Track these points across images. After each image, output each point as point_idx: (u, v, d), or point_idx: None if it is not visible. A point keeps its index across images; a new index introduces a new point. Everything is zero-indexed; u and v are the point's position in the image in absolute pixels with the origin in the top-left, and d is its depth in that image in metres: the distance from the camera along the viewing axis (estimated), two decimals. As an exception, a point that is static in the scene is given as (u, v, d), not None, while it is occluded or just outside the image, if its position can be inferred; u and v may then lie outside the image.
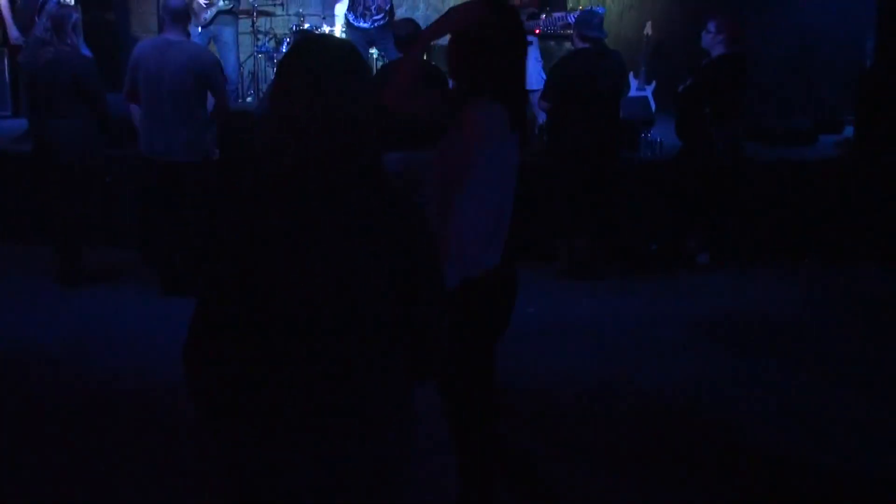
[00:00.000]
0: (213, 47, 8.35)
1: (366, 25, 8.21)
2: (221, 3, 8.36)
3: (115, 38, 8.90)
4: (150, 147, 6.19)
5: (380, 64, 8.79)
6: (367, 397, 1.99)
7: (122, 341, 5.55)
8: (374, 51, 8.44)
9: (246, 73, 9.69)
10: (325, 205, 1.93)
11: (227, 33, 8.57)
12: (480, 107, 2.86)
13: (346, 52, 2.01)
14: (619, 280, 6.85)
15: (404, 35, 6.33)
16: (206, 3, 8.22)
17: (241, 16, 9.54)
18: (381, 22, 8.22)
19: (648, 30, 8.24)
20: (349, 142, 1.94)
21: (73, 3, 7.58)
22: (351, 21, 8.30)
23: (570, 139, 6.61)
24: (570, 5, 9.98)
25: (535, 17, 8.63)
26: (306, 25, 8.95)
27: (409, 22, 6.63)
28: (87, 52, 6.85)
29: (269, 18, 9.78)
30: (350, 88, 1.95)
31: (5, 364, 5.22)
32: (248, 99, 9.25)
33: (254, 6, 9.33)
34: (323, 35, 6.95)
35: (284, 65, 2.01)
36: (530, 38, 8.26)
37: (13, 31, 7.87)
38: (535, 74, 8.11)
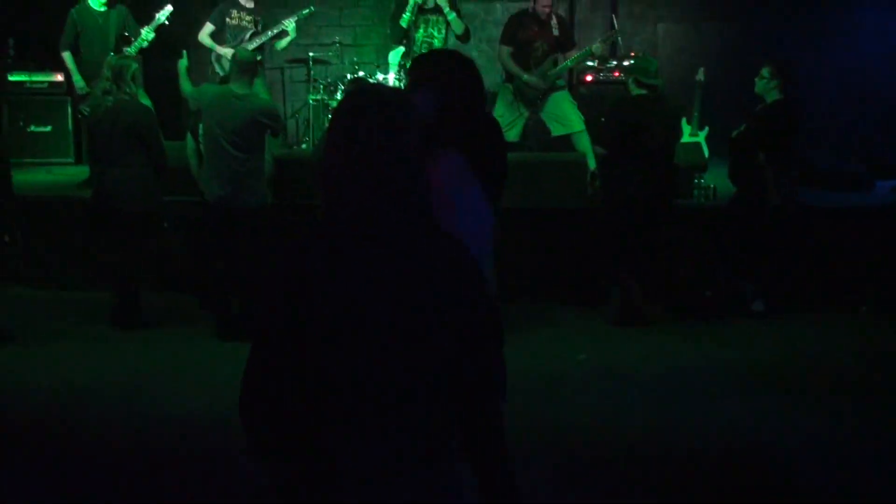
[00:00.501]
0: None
1: None
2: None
3: (174, 87, 9.08)
4: (209, 193, 6.34)
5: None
6: (420, 447, 1.97)
7: (176, 383, 5.62)
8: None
9: (301, 120, 9.83)
10: (380, 254, 1.93)
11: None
12: (438, 158, 2.86)
13: (398, 101, 2.02)
14: (671, 327, 6.79)
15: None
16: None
17: (295, 64, 9.71)
18: None
19: (701, 75, 8.21)
20: (403, 190, 1.95)
21: (134, 53, 7.77)
22: (404, 66, 8.39)
23: (623, 184, 6.60)
24: (620, 51, 10.03)
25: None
26: (361, 73, 9.07)
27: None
28: (147, 101, 7.01)
29: (324, 66, 9.93)
30: (403, 137, 1.96)
31: (62, 404, 5.31)
32: (304, 146, 9.36)
33: (309, 55, 9.48)
34: (376, 84, 7.05)
35: (338, 114, 2.03)
36: (560, 82, 8.31)
37: (78, 81, 8.10)
38: (573, 116, 8.16)
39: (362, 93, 2.08)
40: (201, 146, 6.55)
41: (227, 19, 8.39)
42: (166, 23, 8.06)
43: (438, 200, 2.75)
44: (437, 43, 8.29)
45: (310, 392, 1.95)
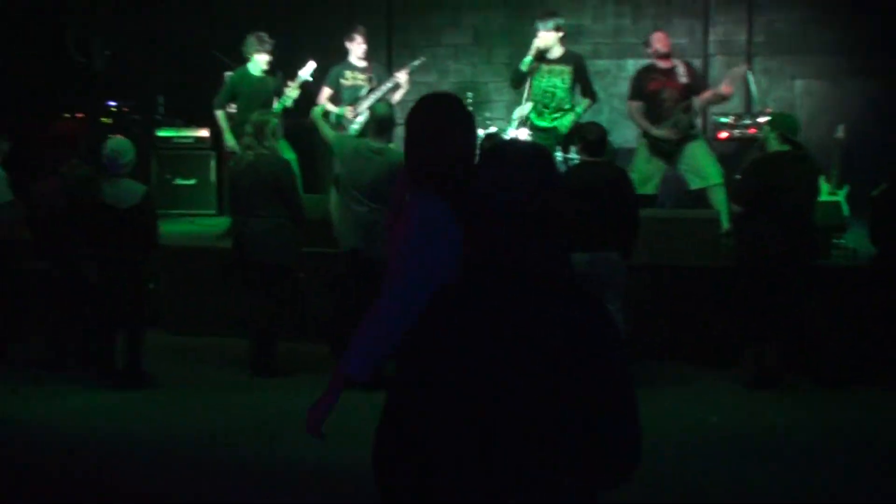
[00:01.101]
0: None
1: (546, 124, 8.32)
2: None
3: (311, 141, 9.37)
4: (345, 244, 6.50)
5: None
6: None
7: (302, 429, 5.69)
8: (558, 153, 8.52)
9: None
10: (516, 308, 1.92)
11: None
12: (418, 202, 2.85)
13: (537, 156, 2.04)
14: (809, 392, 6.54)
15: (594, 139, 6.40)
16: (352, 116, 8.52)
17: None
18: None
19: (841, 133, 8.02)
20: (545, 244, 1.96)
21: (279, 111, 8.05)
22: (535, 122, 8.44)
23: (760, 244, 6.46)
24: (755, 108, 9.88)
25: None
26: (493, 129, 9.16)
27: (597, 126, 6.69)
28: (290, 154, 7.25)
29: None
30: (543, 192, 1.97)
31: (198, 446, 5.46)
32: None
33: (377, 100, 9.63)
34: (513, 140, 7.11)
35: (479, 166, 2.07)
36: (694, 131, 8.19)
37: (229, 140, 8.45)
38: (711, 169, 8.05)
39: (505, 146, 2.14)
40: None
41: (342, 80, 8.58)
42: (310, 79, 8.35)
43: (407, 247, 2.76)
44: (559, 94, 8.28)
45: (431, 439, 1.94)
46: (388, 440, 1.99)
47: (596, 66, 10.19)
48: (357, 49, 8.53)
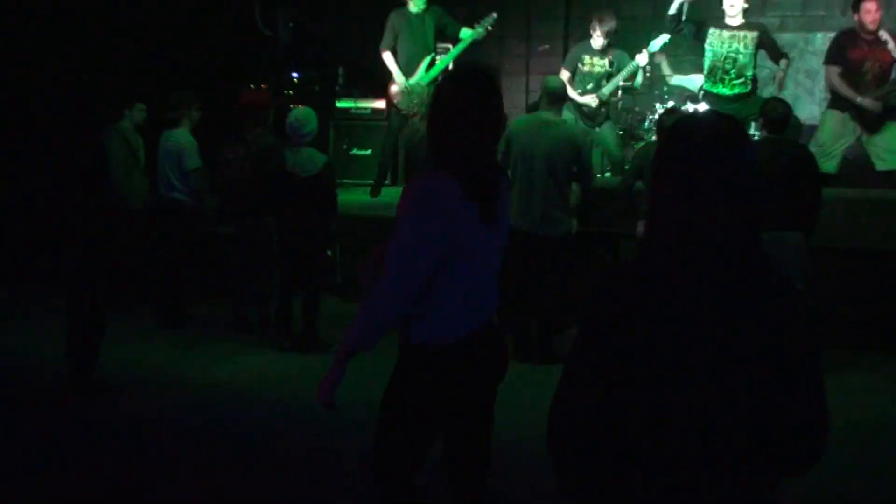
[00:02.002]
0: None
1: (726, 91, 8.03)
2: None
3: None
4: (515, 220, 6.47)
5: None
6: (732, 492, 1.89)
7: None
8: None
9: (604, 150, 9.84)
10: (701, 289, 1.86)
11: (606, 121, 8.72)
12: (421, 178, 2.84)
13: (727, 127, 1.95)
14: None
15: (777, 116, 6.16)
16: (595, 105, 8.40)
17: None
18: (743, 90, 8.01)
19: None
20: (730, 223, 1.88)
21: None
22: (709, 90, 8.17)
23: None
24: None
25: None
26: (671, 103, 8.94)
27: (781, 102, 6.43)
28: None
29: (631, 97, 9.90)
30: (734, 164, 1.90)
31: (365, 410, 5.59)
32: (607, 174, 9.35)
33: (618, 85, 9.48)
34: (702, 112, 6.90)
35: (664, 144, 2.00)
36: None
37: (399, 77, 8.64)
38: None
39: (698, 124, 2.01)
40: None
41: (580, 65, 8.41)
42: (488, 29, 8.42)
43: (404, 222, 2.74)
44: (742, 59, 7.96)
45: (621, 431, 1.90)
46: (571, 424, 1.94)
47: (782, 39, 9.75)
48: (597, 37, 8.29)
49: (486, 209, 2.84)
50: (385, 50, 8.77)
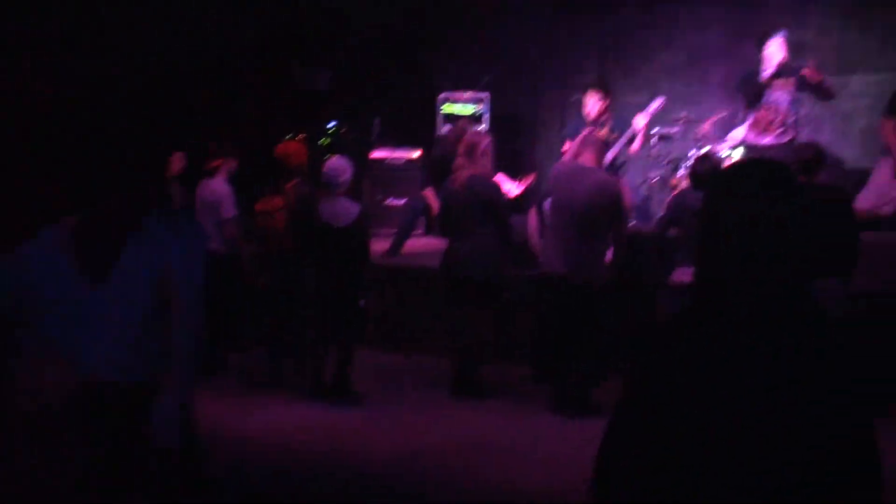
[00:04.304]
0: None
1: (771, 141, 7.99)
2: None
3: (521, 163, 9.44)
4: (550, 267, 6.45)
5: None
6: None
7: (506, 456, 5.71)
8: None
9: (639, 198, 9.80)
10: (754, 349, 1.78)
11: None
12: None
13: (778, 173, 1.88)
14: None
15: (810, 157, 6.12)
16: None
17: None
18: (787, 139, 7.97)
19: None
20: (788, 271, 1.81)
21: (485, 130, 8.14)
22: (751, 141, 8.13)
23: None
24: None
25: None
26: (706, 148, 8.91)
27: (813, 145, 6.38)
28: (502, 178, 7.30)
29: (667, 142, 9.87)
30: (787, 211, 1.83)
31: (396, 463, 5.56)
32: (632, 221, 9.29)
33: (649, 131, 9.43)
34: (753, 159, 6.86)
35: (714, 191, 1.92)
36: None
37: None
38: None
39: (749, 170, 1.93)
40: (545, 221, 6.71)
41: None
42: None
43: None
44: (782, 107, 7.98)
45: (662, 490, 1.83)
46: (614, 479, 1.89)
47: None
48: (589, 109, 8.29)
49: (88, 262, 2.72)
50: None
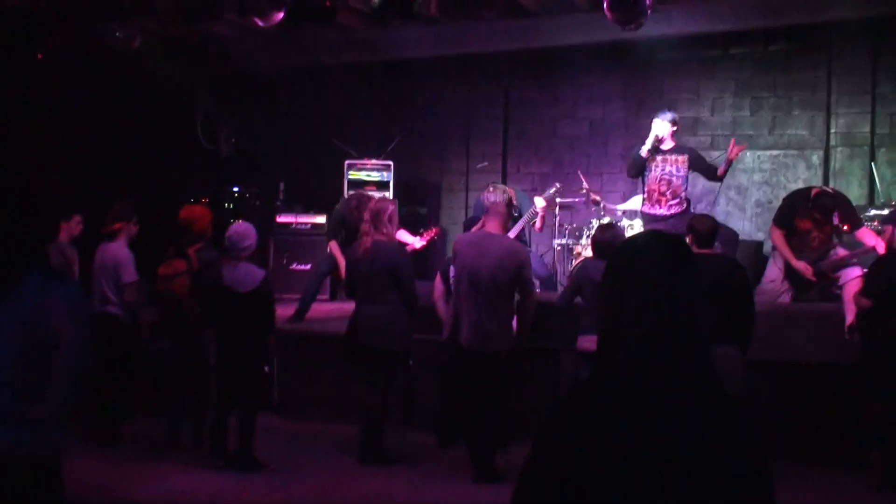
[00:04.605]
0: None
1: (663, 212, 8.26)
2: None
3: (426, 228, 9.51)
4: (455, 335, 6.45)
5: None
6: None
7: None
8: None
9: (544, 267, 9.96)
10: (662, 415, 1.81)
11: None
12: None
13: (673, 244, 1.96)
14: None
15: (704, 230, 6.31)
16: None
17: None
18: (679, 209, 8.25)
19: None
20: (687, 341, 1.86)
21: (390, 196, 8.21)
22: (647, 211, 8.40)
23: (889, 340, 6.21)
24: (878, 200, 9.61)
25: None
26: (607, 219, 9.13)
27: (708, 218, 6.60)
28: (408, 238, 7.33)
29: (570, 211, 10.08)
30: (682, 280, 1.89)
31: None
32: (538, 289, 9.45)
33: (556, 200, 9.65)
34: (649, 231, 7.04)
35: (612, 264, 1.99)
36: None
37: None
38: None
39: (645, 242, 2.01)
40: (450, 287, 6.74)
41: None
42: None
43: None
44: (675, 181, 8.28)
45: None
46: None
47: (712, 157, 10.10)
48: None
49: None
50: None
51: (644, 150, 8.20)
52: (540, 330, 7.28)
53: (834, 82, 10.33)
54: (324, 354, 8.00)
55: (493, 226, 6.55)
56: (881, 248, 6.98)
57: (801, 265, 7.61)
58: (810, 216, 7.70)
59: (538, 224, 8.61)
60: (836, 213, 7.67)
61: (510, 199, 6.74)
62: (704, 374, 1.88)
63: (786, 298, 7.89)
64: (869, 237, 7.61)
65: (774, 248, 7.97)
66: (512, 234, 8.17)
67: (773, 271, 7.96)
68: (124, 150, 10.23)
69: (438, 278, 7.12)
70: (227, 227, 6.90)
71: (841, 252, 7.69)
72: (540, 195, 8.64)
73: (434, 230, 8.71)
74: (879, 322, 6.32)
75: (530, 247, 8.91)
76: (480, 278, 6.34)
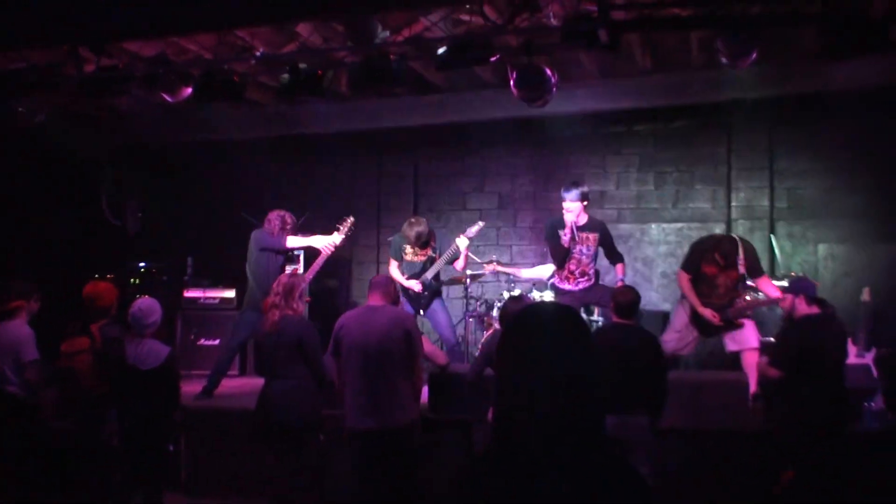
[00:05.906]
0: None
1: (571, 287, 8.40)
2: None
3: (335, 303, 9.47)
4: (355, 421, 6.30)
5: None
6: None
7: None
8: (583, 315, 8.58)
9: (455, 337, 9.98)
10: (552, 474, 1.86)
11: (435, 302, 8.96)
12: None
13: (566, 316, 2.02)
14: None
15: (625, 301, 6.42)
16: (419, 290, 8.74)
17: (453, 283, 9.97)
18: (587, 284, 8.40)
19: (866, 296, 8.01)
20: (575, 406, 1.91)
21: (301, 271, 8.18)
22: (557, 284, 8.52)
23: (799, 408, 6.35)
24: (778, 271, 9.90)
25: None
26: (517, 291, 9.21)
27: (630, 289, 6.72)
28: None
29: (480, 284, 10.16)
30: (574, 352, 1.94)
31: None
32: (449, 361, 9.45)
33: (466, 273, 9.74)
34: (543, 302, 7.13)
35: (507, 333, 2.03)
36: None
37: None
38: (751, 333, 7.87)
39: (536, 308, 2.08)
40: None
41: (403, 255, 8.91)
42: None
43: None
44: (585, 259, 8.44)
45: None
46: None
47: (619, 230, 10.36)
48: (409, 241, 8.81)
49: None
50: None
51: (566, 241, 8.33)
52: (451, 402, 7.28)
53: (733, 158, 10.70)
54: (233, 431, 7.84)
55: (375, 299, 6.48)
56: (786, 302, 6.99)
57: (707, 312, 7.78)
58: (714, 261, 7.89)
59: (462, 263, 8.80)
60: (740, 260, 7.86)
61: (391, 280, 6.78)
62: (597, 440, 1.93)
63: (691, 348, 8.06)
64: (770, 288, 7.82)
65: (682, 294, 8.12)
66: (430, 273, 8.38)
67: (680, 319, 8.08)
68: (28, 225, 9.99)
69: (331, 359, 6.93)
70: (132, 304, 6.76)
71: (748, 298, 7.90)
72: (463, 234, 8.74)
73: (347, 220, 8.72)
74: (792, 391, 6.45)
75: (441, 287, 9.00)
76: (369, 353, 6.21)
